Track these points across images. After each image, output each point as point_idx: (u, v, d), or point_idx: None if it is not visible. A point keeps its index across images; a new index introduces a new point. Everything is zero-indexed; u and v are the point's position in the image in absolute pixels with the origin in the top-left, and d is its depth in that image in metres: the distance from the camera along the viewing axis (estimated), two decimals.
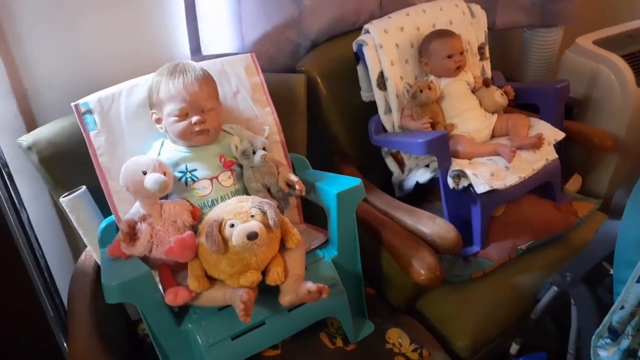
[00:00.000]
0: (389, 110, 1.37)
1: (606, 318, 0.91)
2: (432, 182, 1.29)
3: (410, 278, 1.03)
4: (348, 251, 1.04)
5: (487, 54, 1.49)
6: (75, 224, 1.01)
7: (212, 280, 0.91)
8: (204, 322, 0.91)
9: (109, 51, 1.19)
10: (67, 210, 1.00)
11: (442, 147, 1.21)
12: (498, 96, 1.35)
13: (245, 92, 1.15)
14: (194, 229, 0.95)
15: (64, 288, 1.13)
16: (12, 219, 1.11)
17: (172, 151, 1.03)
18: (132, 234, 0.90)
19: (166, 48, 1.26)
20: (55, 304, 1.24)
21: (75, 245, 1.34)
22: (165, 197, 0.98)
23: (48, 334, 1.24)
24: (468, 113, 1.34)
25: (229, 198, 0.98)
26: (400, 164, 1.42)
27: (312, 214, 1.16)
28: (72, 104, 1.01)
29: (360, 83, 1.40)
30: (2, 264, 1.13)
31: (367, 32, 1.35)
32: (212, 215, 0.93)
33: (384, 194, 1.28)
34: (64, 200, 0.99)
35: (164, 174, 0.93)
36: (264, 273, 0.91)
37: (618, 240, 0.90)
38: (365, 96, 1.41)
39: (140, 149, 1.04)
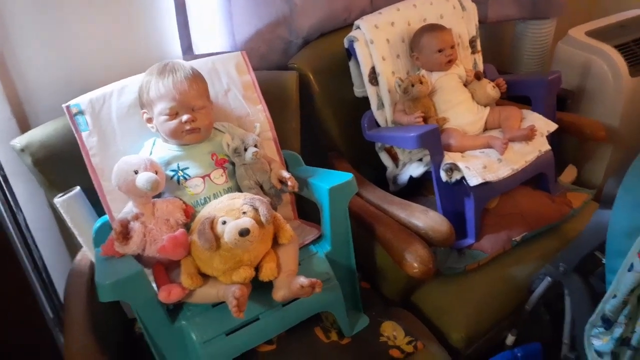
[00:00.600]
0: (381, 105, 1.38)
1: (599, 307, 0.92)
2: (426, 175, 1.29)
3: (403, 271, 1.03)
4: (341, 246, 1.05)
5: (479, 47, 1.49)
6: (69, 224, 1.02)
7: (205, 277, 0.91)
8: (198, 318, 0.92)
9: (101, 52, 1.19)
10: (61, 211, 1.01)
11: (434, 141, 1.21)
12: (490, 89, 1.35)
13: (236, 90, 1.16)
14: (187, 227, 0.96)
15: (61, 288, 1.14)
16: (8, 221, 1.12)
17: (163, 150, 1.03)
18: (125, 233, 0.91)
19: (157, 48, 1.26)
20: (54, 305, 1.24)
21: (71, 245, 1.34)
22: (158, 196, 0.99)
23: (47, 334, 1.25)
24: (460, 106, 1.34)
25: (222, 196, 0.98)
26: (394, 158, 1.42)
27: (306, 209, 1.17)
28: (64, 105, 1.02)
29: (352, 79, 1.41)
30: None
31: (358, 28, 1.35)
32: (204, 212, 0.93)
33: (378, 188, 1.28)
34: (58, 201, 1.00)
35: (156, 173, 0.94)
36: (257, 269, 0.92)
37: (609, 230, 0.90)
38: (357, 92, 1.41)
39: (132, 149, 1.05)
